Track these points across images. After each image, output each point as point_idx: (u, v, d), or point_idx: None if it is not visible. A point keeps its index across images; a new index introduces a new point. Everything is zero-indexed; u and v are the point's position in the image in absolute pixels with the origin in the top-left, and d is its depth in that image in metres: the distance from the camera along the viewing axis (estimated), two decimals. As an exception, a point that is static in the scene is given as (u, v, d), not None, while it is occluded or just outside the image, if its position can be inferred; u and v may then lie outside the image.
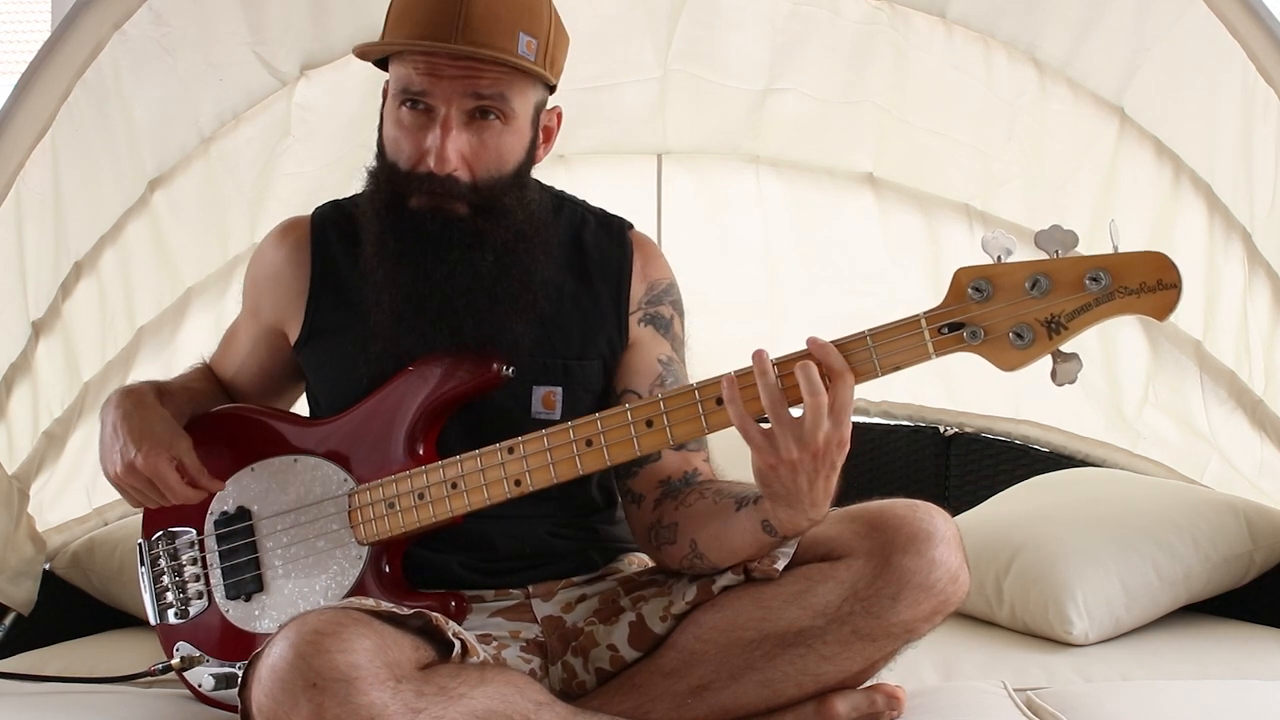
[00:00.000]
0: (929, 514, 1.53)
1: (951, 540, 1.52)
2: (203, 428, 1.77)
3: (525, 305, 1.65)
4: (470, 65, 1.57)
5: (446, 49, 1.55)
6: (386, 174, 1.63)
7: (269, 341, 1.81)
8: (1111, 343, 2.52)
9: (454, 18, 1.55)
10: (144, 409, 1.69)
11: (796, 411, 1.42)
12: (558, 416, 1.68)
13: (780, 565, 1.56)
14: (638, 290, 1.76)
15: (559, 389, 1.69)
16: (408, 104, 1.59)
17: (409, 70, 1.58)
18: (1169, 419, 2.50)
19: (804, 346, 1.44)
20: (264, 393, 1.85)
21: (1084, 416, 2.64)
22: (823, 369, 1.41)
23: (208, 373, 1.87)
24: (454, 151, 1.57)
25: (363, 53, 1.64)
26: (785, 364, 1.44)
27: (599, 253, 1.76)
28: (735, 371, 1.46)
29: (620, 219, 1.81)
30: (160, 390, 1.76)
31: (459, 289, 1.61)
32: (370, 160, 1.69)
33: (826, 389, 1.41)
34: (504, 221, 1.63)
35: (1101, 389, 2.57)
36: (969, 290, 1.40)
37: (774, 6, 2.48)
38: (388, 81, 1.67)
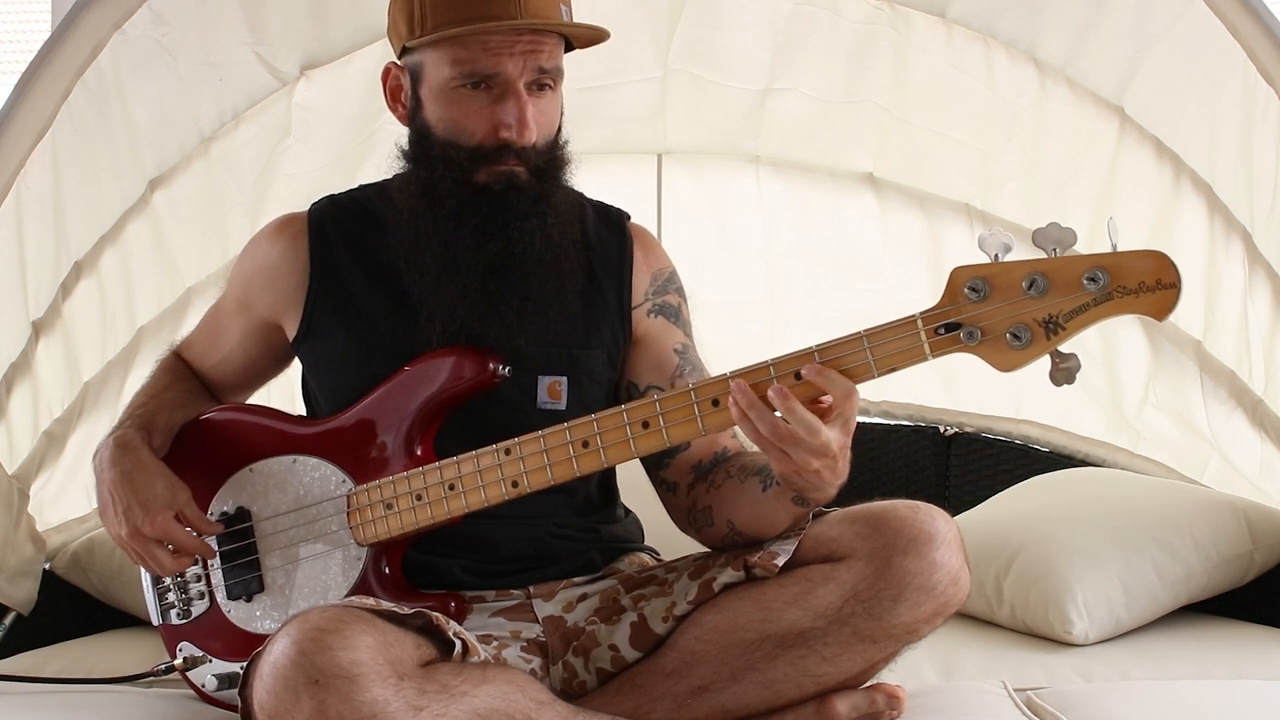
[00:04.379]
0: (930, 516, 1.53)
1: (953, 542, 1.52)
2: (199, 430, 1.77)
3: (575, 266, 1.69)
4: (534, 40, 1.60)
5: (524, 25, 1.58)
6: (448, 152, 1.63)
7: (261, 335, 1.80)
8: (1112, 342, 2.52)
9: None
10: (141, 469, 1.67)
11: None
12: (563, 407, 1.68)
13: (780, 561, 1.57)
14: (642, 282, 1.77)
15: (564, 379, 1.70)
16: (468, 85, 1.60)
17: (474, 52, 1.59)
18: (1169, 419, 2.50)
19: (806, 345, 1.45)
20: (245, 383, 1.85)
21: (1084, 416, 2.64)
22: (824, 394, 1.43)
23: (179, 367, 1.85)
24: (533, 120, 1.61)
25: (415, 44, 1.63)
26: (784, 364, 1.45)
27: (600, 243, 1.76)
28: (737, 376, 1.46)
29: (618, 210, 1.82)
30: (146, 427, 1.72)
31: (533, 255, 1.64)
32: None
33: (825, 410, 1.43)
34: (560, 182, 1.68)
35: (1102, 389, 2.57)
36: (965, 290, 1.39)
37: (774, 6, 2.48)
38: (396, 68, 1.68)
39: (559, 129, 1.68)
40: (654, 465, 1.71)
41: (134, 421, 1.73)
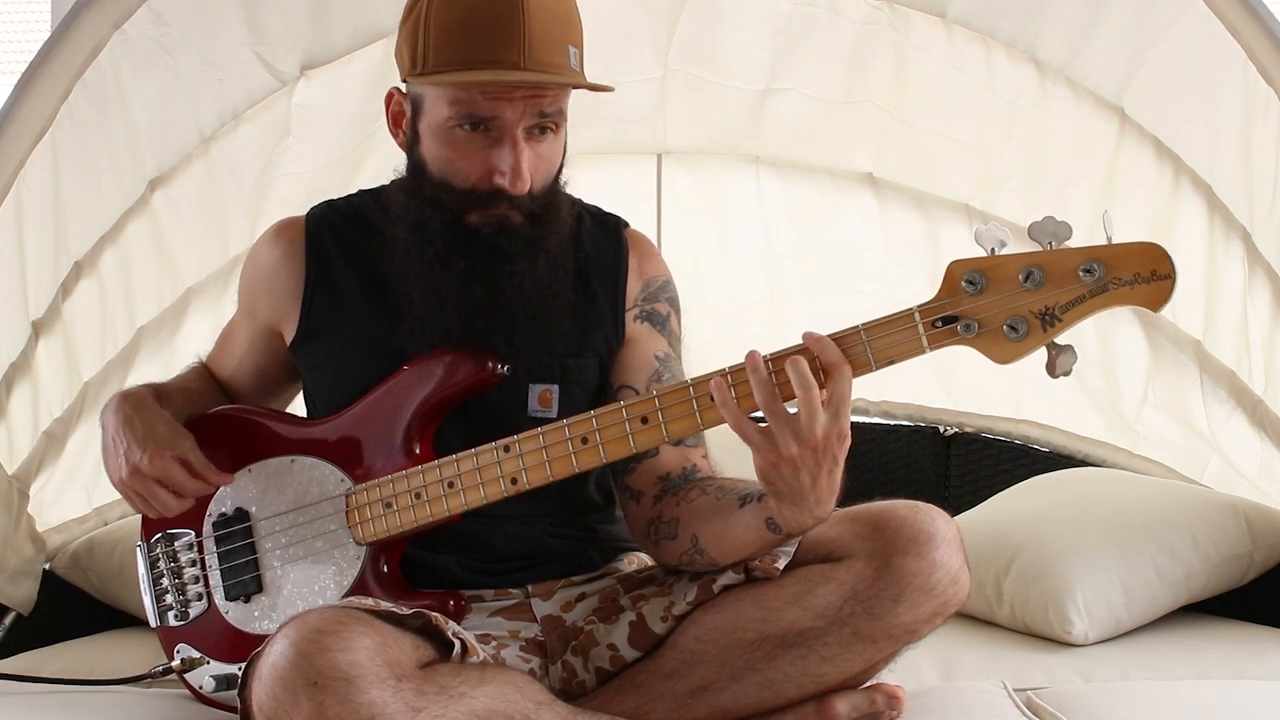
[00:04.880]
0: (930, 516, 1.53)
1: (952, 542, 1.52)
2: (199, 429, 1.75)
3: (567, 305, 1.68)
4: (536, 87, 1.57)
5: (523, 79, 1.55)
6: (439, 192, 1.62)
7: (266, 341, 1.80)
8: (1111, 342, 2.52)
9: (518, 42, 1.55)
10: (144, 411, 1.68)
11: (793, 408, 1.42)
12: (554, 415, 1.67)
13: (781, 564, 1.56)
14: (634, 288, 1.76)
15: (555, 387, 1.69)
16: (465, 125, 1.59)
17: (472, 95, 1.56)
18: (1169, 419, 2.49)
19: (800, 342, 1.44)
20: (261, 392, 1.85)
21: (1084, 416, 2.64)
22: (818, 362, 1.42)
23: (205, 372, 1.87)
24: (527, 169, 1.58)
25: (416, 80, 1.61)
26: (780, 359, 1.44)
27: (595, 251, 1.76)
28: (728, 369, 1.46)
29: (615, 217, 1.81)
30: (158, 392, 1.75)
31: (520, 297, 1.63)
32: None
33: (822, 384, 1.41)
34: (555, 225, 1.65)
35: (1101, 389, 2.57)
36: (962, 283, 1.39)
37: (774, 6, 2.48)
38: (399, 94, 1.67)
39: (561, 166, 1.66)
40: (620, 470, 1.70)
41: (148, 387, 1.76)
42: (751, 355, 1.44)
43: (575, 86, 1.62)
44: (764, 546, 1.54)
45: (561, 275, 1.67)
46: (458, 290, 1.62)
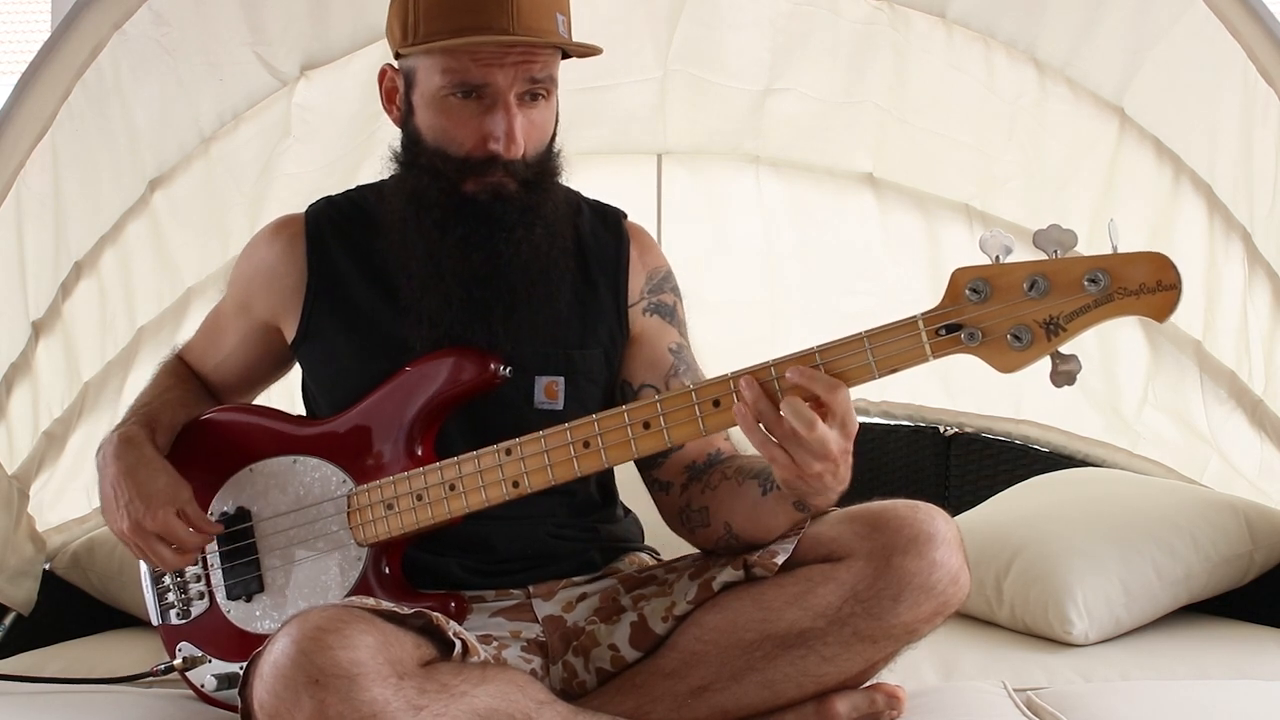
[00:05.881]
0: (930, 515, 1.53)
1: (952, 542, 1.52)
2: (200, 430, 1.77)
3: (566, 273, 1.69)
4: (527, 51, 1.59)
5: (512, 41, 1.57)
6: (435, 161, 1.63)
7: (260, 337, 1.80)
8: (1111, 343, 2.52)
9: (506, 8, 1.57)
10: (144, 464, 1.67)
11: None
12: (560, 407, 1.68)
13: (779, 560, 1.57)
14: (637, 281, 1.77)
15: (561, 379, 1.70)
16: (458, 94, 1.60)
17: (464, 62, 1.58)
18: (1169, 419, 2.50)
19: (804, 346, 1.44)
20: (246, 385, 1.85)
21: (1084, 416, 2.64)
22: (814, 395, 1.42)
23: (181, 369, 1.85)
24: (520, 134, 1.60)
25: (407, 51, 1.63)
26: (785, 366, 1.44)
27: (596, 242, 1.76)
28: (739, 376, 1.46)
29: (615, 209, 1.82)
30: (151, 424, 1.73)
31: (519, 265, 1.64)
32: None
33: (822, 411, 1.42)
34: (549, 193, 1.67)
35: (1101, 389, 2.57)
36: (966, 291, 1.39)
37: (774, 6, 2.48)
38: (392, 70, 1.67)
39: (552, 137, 1.67)
40: (646, 465, 1.71)
41: (138, 419, 1.74)
42: (749, 383, 1.44)
43: (564, 50, 1.63)
44: (798, 525, 1.57)
45: (560, 244, 1.68)
46: (457, 258, 1.63)
